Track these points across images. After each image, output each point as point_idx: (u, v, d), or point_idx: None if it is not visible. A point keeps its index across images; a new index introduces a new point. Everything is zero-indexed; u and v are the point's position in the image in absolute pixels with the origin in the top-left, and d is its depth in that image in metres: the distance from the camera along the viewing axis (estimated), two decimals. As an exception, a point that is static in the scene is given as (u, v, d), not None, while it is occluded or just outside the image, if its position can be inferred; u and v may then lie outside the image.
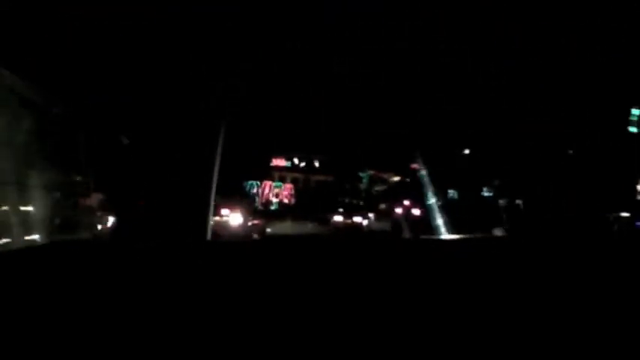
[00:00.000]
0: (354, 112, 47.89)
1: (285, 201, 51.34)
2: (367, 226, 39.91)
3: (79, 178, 16.87)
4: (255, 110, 40.49)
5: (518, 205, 54.27)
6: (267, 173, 52.80)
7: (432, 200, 42.97)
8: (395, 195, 50.38)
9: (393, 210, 44.95)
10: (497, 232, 34.24)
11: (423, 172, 47.15)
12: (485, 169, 54.88)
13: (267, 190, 50.75)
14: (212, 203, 22.01)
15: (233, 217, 25.80)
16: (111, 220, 18.86)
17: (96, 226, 17.87)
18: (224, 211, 25.57)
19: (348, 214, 40.36)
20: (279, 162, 55.66)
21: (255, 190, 48.91)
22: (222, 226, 24.88)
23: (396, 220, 40.82)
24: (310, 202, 48.54)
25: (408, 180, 57.29)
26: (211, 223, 21.60)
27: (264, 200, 49.50)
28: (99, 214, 18.21)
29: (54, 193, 14.85)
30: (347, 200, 50.77)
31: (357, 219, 39.70)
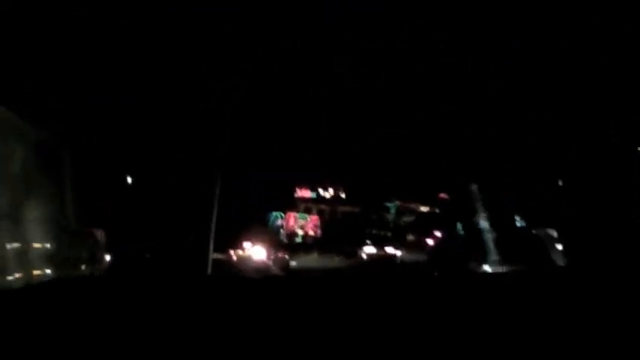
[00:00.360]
0: (379, 140, 47.38)
1: (311, 233, 49.87)
2: (400, 257, 38.43)
3: (68, 213, 15.91)
4: (279, 138, 39.97)
5: (552, 236, 52.19)
6: (292, 204, 51.48)
7: (467, 230, 41.39)
8: (424, 226, 48.79)
9: (425, 241, 43.31)
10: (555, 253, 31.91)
11: (475, 191, 45.51)
12: (517, 196, 53.40)
13: (291, 222, 49.30)
14: (212, 237, 21.06)
15: (255, 251, 24.46)
16: (107, 258, 17.76)
17: (96, 263, 16.76)
18: (246, 245, 24.30)
19: (380, 246, 38.72)
20: (304, 193, 54.41)
21: (279, 222, 47.51)
22: (244, 260, 23.58)
23: (433, 252, 39.20)
24: (337, 234, 47.11)
25: (436, 210, 55.87)
26: (233, 257, 20.73)
27: (288, 232, 48.05)
28: (97, 250, 17.12)
29: (51, 228, 13.81)
30: (374, 232, 49.28)
31: (390, 250, 38.30)
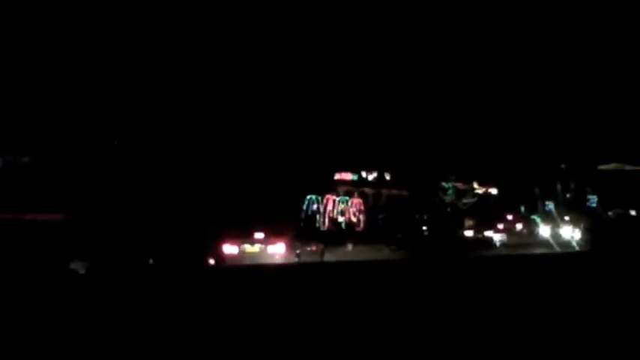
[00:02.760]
0: (427, 115, 45.22)
1: (353, 219, 43.62)
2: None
3: None
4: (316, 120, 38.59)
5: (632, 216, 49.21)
6: (331, 188, 45.46)
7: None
8: (491, 208, 43.69)
9: (495, 226, 38.02)
10: None
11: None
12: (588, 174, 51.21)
13: (330, 207, 42.92)
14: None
15: (272, 245, 18.14)
16: None
17: None
18: (257, 235, 18.08)
19: (477, 229, 35.87)
20: (344, 175, 48.94)
21: (315, 207, 41.24)
22: (256, 255, 17.44)
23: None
24: (383, 220, 41.18)
25: (494, 191, 50.85)
26: (234, 251, 15.64)
27: (326, 218, 41.79)
28: None
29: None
30: (426, 217, 43.35)
31: (489, 234, 34.52)
